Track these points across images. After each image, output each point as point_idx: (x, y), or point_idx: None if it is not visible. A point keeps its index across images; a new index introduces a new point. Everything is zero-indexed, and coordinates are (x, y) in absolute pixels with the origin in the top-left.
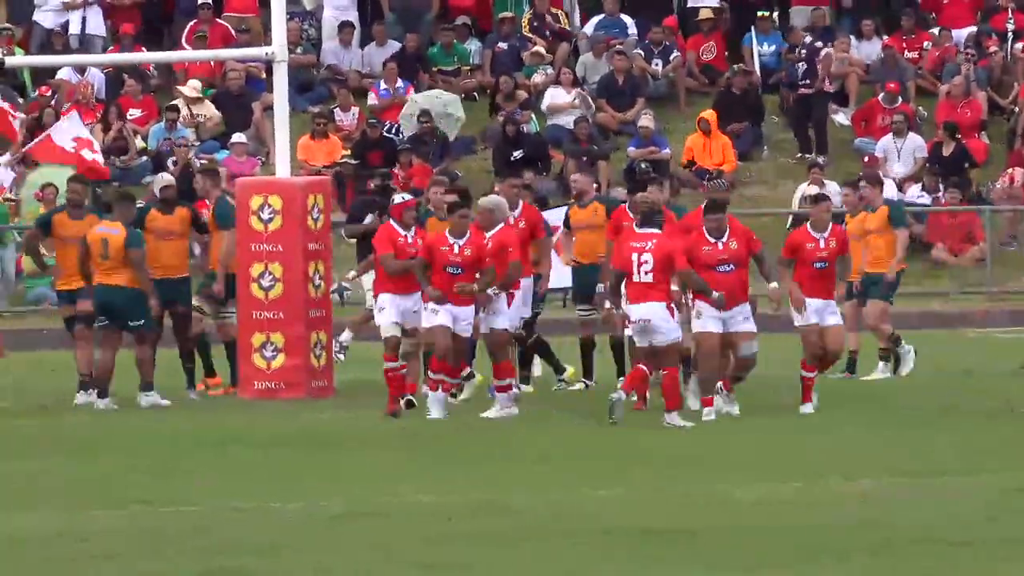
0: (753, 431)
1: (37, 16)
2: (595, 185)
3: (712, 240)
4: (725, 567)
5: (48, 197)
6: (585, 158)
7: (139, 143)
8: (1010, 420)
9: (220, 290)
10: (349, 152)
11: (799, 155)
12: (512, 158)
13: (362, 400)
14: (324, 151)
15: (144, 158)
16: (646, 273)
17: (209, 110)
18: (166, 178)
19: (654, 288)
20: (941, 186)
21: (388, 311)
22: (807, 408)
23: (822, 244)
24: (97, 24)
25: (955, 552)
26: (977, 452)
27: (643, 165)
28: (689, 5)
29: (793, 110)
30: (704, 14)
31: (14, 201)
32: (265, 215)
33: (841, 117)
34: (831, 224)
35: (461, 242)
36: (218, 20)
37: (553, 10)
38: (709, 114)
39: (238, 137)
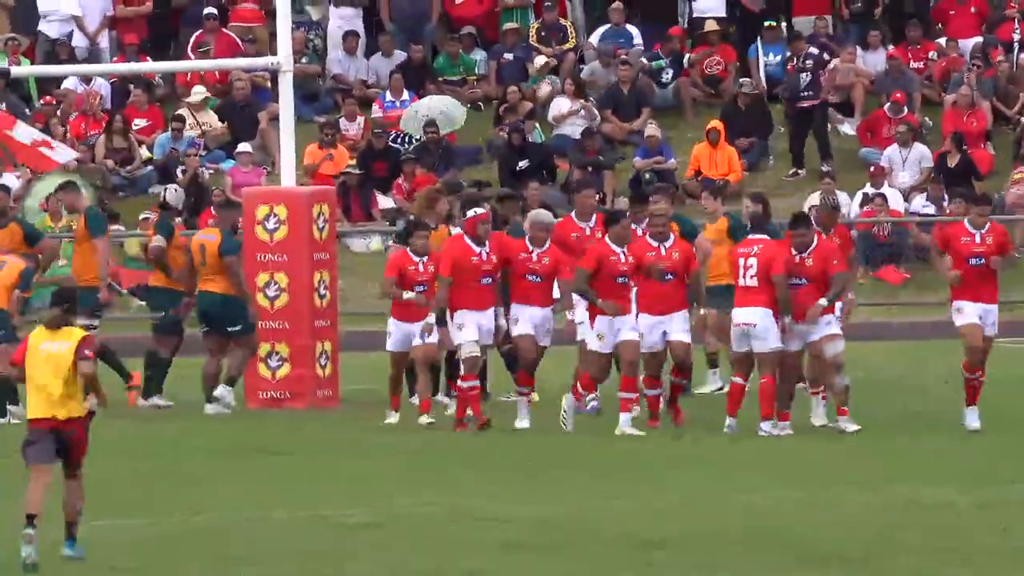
0: (754, 436)
1: (43, 26)
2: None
3: (793, 254)
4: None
5: (54, 208)
6: (590, 168)
7: (144, 153)
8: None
9: (107, 297)
10: (354, 162)
11: (792, 171)
12: (518, 168)
13: (367, 410)
14: (331, 160)
15: (150, 168)
16: (751, 277)
17: (213, 120)
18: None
19: (758, 293)
20: (946, 196)
21: (469, 329)
22: (972, 418)
23: (978, 239)
24: (102, 35)
25: (952, 561)
26: (991, 461)
27: (647, 175)
28: (695, 15)
29: (794, 122)
30: (710, 25)
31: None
32: (271, 225)
33: (847, 127)
34: (989, 223)
35: (626, 251)
36: (224, 30)
37: (561, 21)
38: (717, 124)
39: (244, 147)
